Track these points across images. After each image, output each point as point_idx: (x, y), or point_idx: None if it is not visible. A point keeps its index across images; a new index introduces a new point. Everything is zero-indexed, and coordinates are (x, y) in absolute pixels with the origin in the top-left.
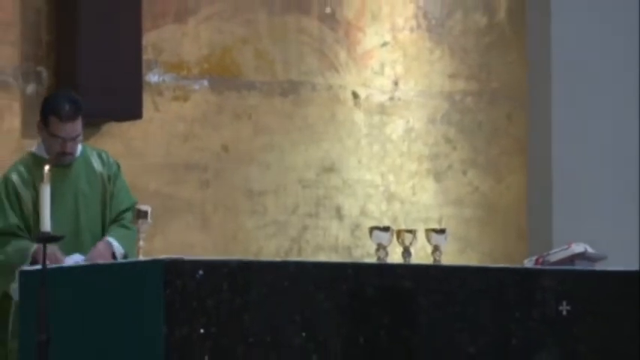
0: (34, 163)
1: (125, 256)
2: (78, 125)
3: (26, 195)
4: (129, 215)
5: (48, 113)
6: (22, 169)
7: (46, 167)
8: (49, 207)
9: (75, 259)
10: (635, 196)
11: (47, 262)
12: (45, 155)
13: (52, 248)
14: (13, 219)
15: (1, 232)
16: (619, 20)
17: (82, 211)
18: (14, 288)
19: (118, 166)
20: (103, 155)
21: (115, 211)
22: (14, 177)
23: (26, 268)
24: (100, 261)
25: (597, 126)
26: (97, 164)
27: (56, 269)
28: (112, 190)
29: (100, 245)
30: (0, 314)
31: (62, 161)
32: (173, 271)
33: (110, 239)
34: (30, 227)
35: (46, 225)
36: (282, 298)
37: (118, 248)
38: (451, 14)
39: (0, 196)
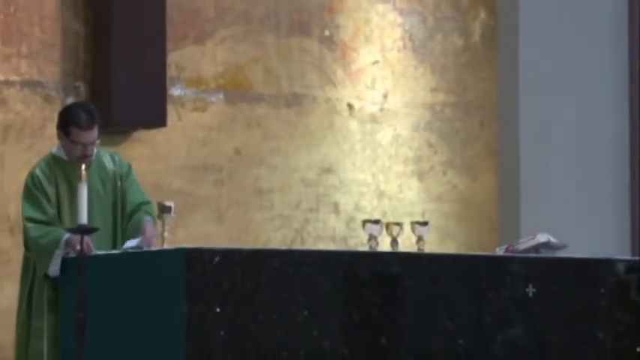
0: (55, 162)
1: None
2: (95, 131)
3: (49, 190)
4: (147, 207)
5: (68, 124)
6: (44, 167)
7: (83, 167)
8: (69, 204)
9: (130, 244)
10: (592, 191)
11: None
12: (64, 157)
13: (86, 239)
14: (50, 210)
15: (42, 222)
16: (579, 41)
17: (96, 208)
18: (53, 269)
19: (130, 166)
20: (115, 156)
21: (132, 205)
22: (39, 173)
23: (67, 255)
24: (154, 239)
25: (558, 132)
26: (108, 164)
27: (94, 257)
28: (125, 186)
29: (149, 226)
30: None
31: (83, 163)
32: (193, 258)
33: (149, 218)
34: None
35: (83, 218)
36: (288, 282)
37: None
38: (432, 37)
39: (33, 191)
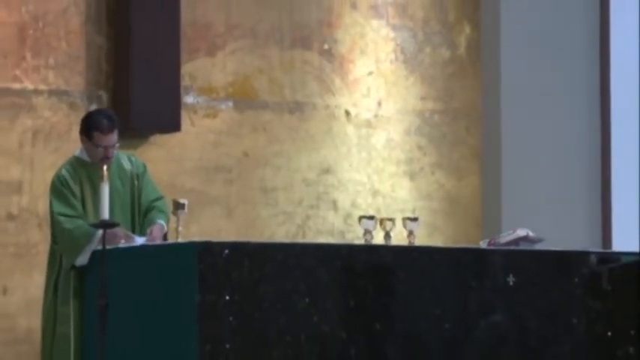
0: (78, 164)
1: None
2: (115, 135)
3: (75, 188)
4: (160, 203)
5: (91, 129)
6: (69, 168)
7: (105, 168)
8: (92, 201)
9: (140, 240)
10: (567, 191)
11: (122, 241)
12: (86, 159)
13: (124, 231)
14: (78, 206)
15: (73, 216)
16: (555, 54)
17: (117, 205)
18: (82, 259)
19: (145, 166)
20: (132, 158)
21: (147, 201)
22: (65, 174)
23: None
24: (158, 240)
25: (536, 137)
26: (126, 164)
27: (114, 249)
28: (141, 185)
29: (155, 229)
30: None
31: (105, 164)
32: (205, 250)
33: (161, 222)
34: None
35: (105, 214)
36: (290, 272)
37: (164, 228)
38: (422, 49)
39: (61, 190)
